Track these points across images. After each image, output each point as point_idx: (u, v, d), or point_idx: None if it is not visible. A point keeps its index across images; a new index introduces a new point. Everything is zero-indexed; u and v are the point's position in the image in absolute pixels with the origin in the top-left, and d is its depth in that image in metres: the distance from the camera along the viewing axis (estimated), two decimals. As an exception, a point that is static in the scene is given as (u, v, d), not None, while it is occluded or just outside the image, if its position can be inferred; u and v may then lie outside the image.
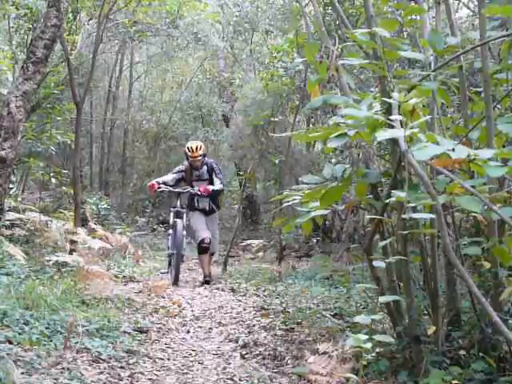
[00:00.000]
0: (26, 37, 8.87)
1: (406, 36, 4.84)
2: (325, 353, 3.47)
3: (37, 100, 8.41)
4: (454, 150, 1.95)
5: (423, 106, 2.90)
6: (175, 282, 6.25)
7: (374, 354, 3.07)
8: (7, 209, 6.52)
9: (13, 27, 9.08)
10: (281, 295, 5.48)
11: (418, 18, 3.24)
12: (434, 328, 2.90)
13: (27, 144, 8.58)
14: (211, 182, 6.68)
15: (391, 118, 2.19)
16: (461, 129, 3.15)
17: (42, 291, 4.18)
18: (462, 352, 2.87)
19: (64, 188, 10.29)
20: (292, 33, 8.19)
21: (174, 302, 5.29)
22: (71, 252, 6.00)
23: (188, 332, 4.42)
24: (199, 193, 6.53)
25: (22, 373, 2.88)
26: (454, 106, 4.41)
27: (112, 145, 14.25)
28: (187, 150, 6.63)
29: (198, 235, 6.54)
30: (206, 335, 4.36)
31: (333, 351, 3.45)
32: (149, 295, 5.44)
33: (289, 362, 3.54)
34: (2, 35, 10.46)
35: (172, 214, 6.80)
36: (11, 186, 7.81)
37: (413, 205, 2.44)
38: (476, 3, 3.44)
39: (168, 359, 3.68)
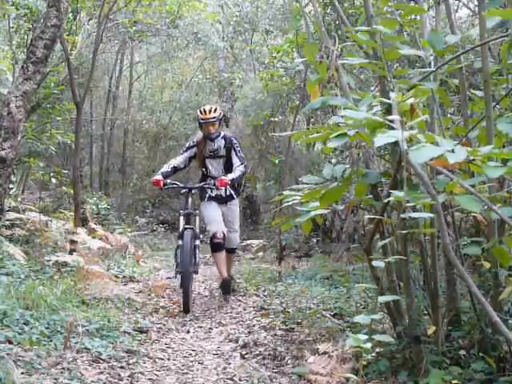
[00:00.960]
0: (26, 37, 8.85)
1: (406, 36, 4.83)
2: (325, 353, 3.47)
3: (37, 100, 8.40)
4: (453, 150, 1.95)
5: (423, 106, 2.91)
6: (186, 310, 4.92)
7: (373, 354, 3.06)
8: (7, 209, 6.51)
9: (13, 27, 9.06)
10: (281, 295, 5.47)
11: (418, 17, 3.25)
12: (434, 328, 2.90)
13: (27, 144, 8.57)
14: (228, 162, 5.49)
15: (389, 118, 2.19)
16: (461, 129, 3.15)
17: (42, 291, 4.17)
18: (462, 352, 2.87)
19: (64, 188, 10.31)
20: (292, 33, 8.17)
21: (174, 302, 5.29)
22: (71, 252, 5.99)
23: (188, 332, 4.43)
24: (217, 188, 5.31)
25: (22, 373, 2.88)
26: (453, 106, 4.41)
27: (112, 145, 14.23)
28: (199, 113, 5.41)
29: (209, 229, 5.41)
30: (206, 335, 4.36)
31: (333, 351, 3.45)
32: (149, 295, 5.44)
33: (289, 361, 3.54)
34: (2, 35, 10.45)
35: (181, 218, 5.38)
36: (11, 186, 7.80)
37: (412, 204, 2.44)
38: (476, 3, 3.44)
39: (168, 359, 3.69)
